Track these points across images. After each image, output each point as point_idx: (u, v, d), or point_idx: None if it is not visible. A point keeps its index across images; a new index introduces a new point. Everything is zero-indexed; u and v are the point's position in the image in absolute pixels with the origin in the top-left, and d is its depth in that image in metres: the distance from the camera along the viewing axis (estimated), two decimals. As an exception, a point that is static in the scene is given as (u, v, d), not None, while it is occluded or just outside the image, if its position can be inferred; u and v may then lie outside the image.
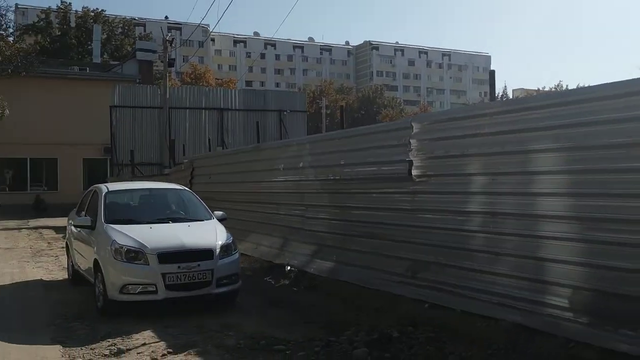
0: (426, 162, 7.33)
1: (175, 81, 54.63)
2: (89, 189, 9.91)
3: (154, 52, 35.09)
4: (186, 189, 9.58)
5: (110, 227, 7.90)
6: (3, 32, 24.26)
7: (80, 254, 8.97)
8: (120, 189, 9.29)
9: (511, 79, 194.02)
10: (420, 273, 7.32)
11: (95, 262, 7.83)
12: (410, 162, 7.45)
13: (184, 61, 64.80)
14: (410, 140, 7.48)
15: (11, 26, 25.18)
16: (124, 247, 7.43)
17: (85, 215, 8.97)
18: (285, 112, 31.63)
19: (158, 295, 7.33)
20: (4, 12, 23.60)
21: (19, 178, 33.19)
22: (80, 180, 33.57)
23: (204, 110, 30.07)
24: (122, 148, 28.18)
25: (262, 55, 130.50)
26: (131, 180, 20.95)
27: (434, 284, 7.02)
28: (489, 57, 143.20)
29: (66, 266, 11.62)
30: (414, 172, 7.43)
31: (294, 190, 10.35)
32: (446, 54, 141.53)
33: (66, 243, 10.51)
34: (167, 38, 28.58)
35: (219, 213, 9.01)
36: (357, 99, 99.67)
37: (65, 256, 12.84)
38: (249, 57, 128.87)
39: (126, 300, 7.41)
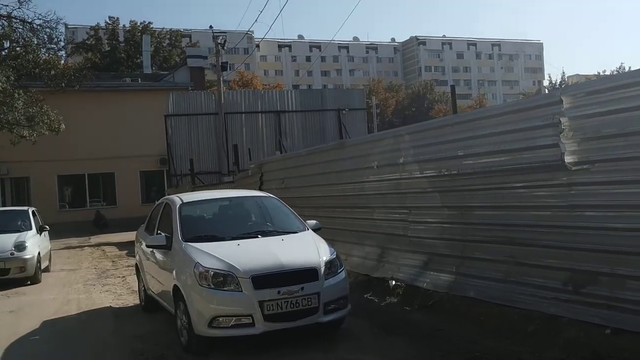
0: (585, 145, 5.68)
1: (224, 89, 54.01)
2: (159, 202, 8.63)
3: (205, 57, 34.25)
4: (271, 195, 8.15)
5: (190, 246, 6.56)
6: (54, 46, 23.54)
7: (155, 279, 7.68)
8: (195, 200, 7.90)
9: (568, 65, 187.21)
10: (586, 287, 5.67)
11: (175, 289, 6.49)
12: (563, 146, 5.82)
13: (230, 69, 63.98)
14: (561, 119, 5.85)
15: (62, 39, 24.37)
16: (209, 270, 6.05)
17: (158, 233, 7.69)
18: (344, 111, 30.16)
19: (255, 328, 5.92)
20: (54, 25, 22.78)
21: (78, 194, 32.79)
22: (138, 194, 32.98)
23: (260, 114, 28.88)
24: (179, 158, 27.27)
25: (308, 58, 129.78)
26: (194, 191, 19.90)
27: (613, 302, 5.37)
28: (541, 44, 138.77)
29: (136, 289, 10.42)
30: (569, 158, 5.79)
31: (392, 191, 8.82)
32: (496, 44, 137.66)
33: (136, 265, 9.26)
34: (218, 41, 27.55)
35: (312, 222, 7.58)
36: (407, 95, 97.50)
37: (134, 277, 11.74)
38: (295, 60, 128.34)
39: (217, 336, 6.03)
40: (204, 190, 17.39)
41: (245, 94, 29.06)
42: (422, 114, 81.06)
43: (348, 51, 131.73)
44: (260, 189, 13.88)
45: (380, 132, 11.69)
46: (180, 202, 7.47)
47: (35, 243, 12.71)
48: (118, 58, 58.50)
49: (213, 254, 6.26)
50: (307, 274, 6.15)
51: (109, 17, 62.44)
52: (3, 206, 30.72)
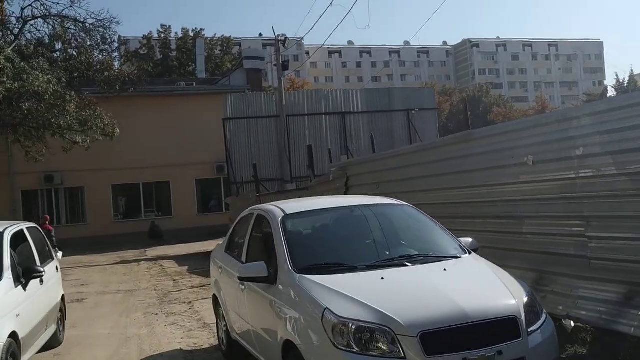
0: None
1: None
2: (246, 214, 6.47)
3: (262, 59, 32.47)
4: (403, 203, 5.85)
5: (307, 280, 4.36)
6: (108, 47, 22.01)
7: (248, 323, 5.50)
8: (304, 211, 5.60)
9: (629, 65, 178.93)
10: None
11: (288, 345, 4.29)
12: None
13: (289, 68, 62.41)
14: None
15: (115, 40, 22.84)
16: (349, 322, 3.83)
17: (246, 256, 5.57)
18: (413, 111, 27.77)
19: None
20: (107, 25, 21.26)
21: (133, 204, 31.33)
22: (194, 204, 31.33)
23: (324, 116, 26.78)
24: (238, 164, 25.37)
25: (358, 64, 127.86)
26: (258, 200, 17.84)
27: None
28: (601, 43, 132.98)
29: (208, 322, 8.34)
30: None
31: (557, 195, 6.43)
32: (552, 44, 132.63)
33: (214, 297, 7.12)
34: (278, 38, 25.62)
35: (466, 240, 5.29)
36: (462, 99, 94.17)
37: (202, 303, 9.67)
38: (345, 67, 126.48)
39: None
40: (279, 198, 15.32)
41: (307, 95, 27.00)
42: (479, 118, 77.70)
43: (399, 56, 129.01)
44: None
45: (534, 117, 9.24)
46: (283, 215, 5.25)
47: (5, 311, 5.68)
48: (170, 66, 57.68)
49: (348, 294, 4.04)
50: (503, 327, 3.86)
51: (161, 26, 61.93)
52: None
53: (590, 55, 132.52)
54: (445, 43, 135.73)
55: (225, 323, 6.45)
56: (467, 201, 7.91)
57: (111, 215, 30.23)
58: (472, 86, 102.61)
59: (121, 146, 28.89)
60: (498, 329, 3.84)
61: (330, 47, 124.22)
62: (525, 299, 4.12)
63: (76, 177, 29.25)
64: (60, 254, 18.27)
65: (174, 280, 13.82)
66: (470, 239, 5.34)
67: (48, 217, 20.70)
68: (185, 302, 10.46)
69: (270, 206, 5.82)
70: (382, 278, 4.26)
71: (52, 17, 21.56)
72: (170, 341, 7.67)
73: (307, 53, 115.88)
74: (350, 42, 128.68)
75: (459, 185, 8.10)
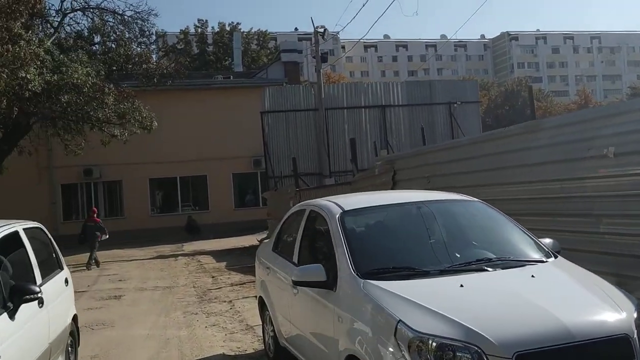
0: None
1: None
2: (295, 210, 5.94)
3: (300, 52, 31.99)
4: (474, 199, 5.22)
5: (374, 286, 3.79)
6: (146, 39, 21.77)
7: (299, 329, 4.98)
8: (363, 207, 4.98)
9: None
10: None
11: (352, 362, 3.75)
12: None
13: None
14: None
15: (154, 32, 22.61)
16: (429, 338, 3.26)
17: (298, 257, 5.04)
18: (455, 104, 26.92)
19: None
20: (146, 17, 21.01)
21: (170, 199, 31.23)
22: (232, 198, 31.02)
23: (363, 109, 26.14)
24: (276, 157, 24.93)
25: (394, 58, 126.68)
26: (297, 195, 17.37)
27: None
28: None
29: (251, 323, 7.88)
30: None
31: (641, 191, 5.72)
32: (595, 36, 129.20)
33: (259, 300, 6.60)
34: (317, 29, 25.06)
35: (546, 241, 4.65)
36: (500, 94, 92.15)
37: (243, 302, 9.21)
38: (381, 61, 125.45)
39: None
40: (319, 193, 14.79)
41: (347, 88, 26.38)
42: (517, 113, 75.84)
43: (436, 50, 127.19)
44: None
45: (615, 104, 8.51)
46: (341, 211, 4.68)
47: None
48: (207, 60, 57.72)
49: (424, 304, 3.46)
50: (613, 348, 3.24)
51: (198, 20, 62.02)
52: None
53: (634, 47, 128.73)
54: (482, 36, 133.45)
55: (272, 328, 5.94)
56: (535, 197, 7.21)
57: (148, 209, 30.17)
58: (511, 80, 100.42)
59: (158, 140, 28.73)
60: (607, 350, 3.23)
61: (366, 41, 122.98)
62: (636, 314, 3.48)
63: (114, 171, 29.26)
64: (106, 236, 18.15)
65: (213, 277, 13.42)
66: (549, 240, 4.70)
67: (96, 209, 20.56)
68: (225, 301, 10.01)
69: (324, 201, 5.26)
70: (462, 285, 3.66)
71: (91, 10, 21.42)
72: (212, 344, 7.21)
73: (343, 47, 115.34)
74: (386, 36, 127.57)
75: (526, 180, 7.40)
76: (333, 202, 4.99)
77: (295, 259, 5.16)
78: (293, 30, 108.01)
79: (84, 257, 18.47)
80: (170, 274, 14.82)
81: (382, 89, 26.63)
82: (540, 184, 7.14)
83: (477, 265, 4.04)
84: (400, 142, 26.20)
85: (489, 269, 3.97)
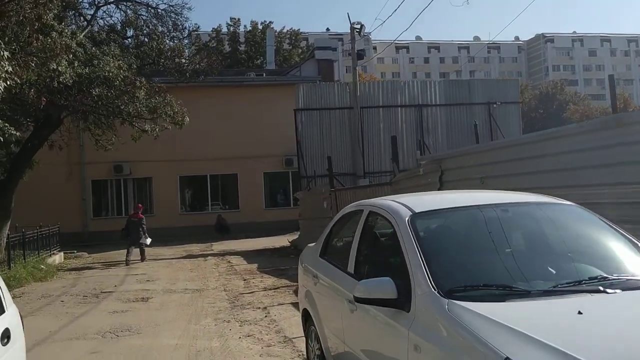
0: None
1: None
2: (349, 211, 5.17)
3: (334, 49, 31.28)
4: (568, 202, 4.36)
5: (463, 309, 2.99)
6: (179, 34, 21.25)
7: (355, 353, 4.17)
8: (437, 209, 4.12)
9: None
10: None
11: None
12: None
13: (347, 71, 61.07)
14: None
15: (187, 27, 22.05)
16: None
17: (356, 266, 4.28)
18: (495, 105, 25.90)
19: None
20: (179, 11, 20.49)
21: (199, 197, 30.77)
22: (262, 197, 30.44)
23: (399, 108, 25.31)
24: (309, 156, 24.25)
25: (426, 60, 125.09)
26: (330, 195, 16.63)
27: None
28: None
29: (289, 335, 7.14)
30: None
31: None
32: (632, 39, 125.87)
33: (303, 311, 5.79)
34: (353, 25, 24.27)
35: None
36: (534, 96, 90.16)
37: (278, 309, 8.50)
38: (412, 62, 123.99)
39: None
40: (357, 194, 14.02)
41: (383, 86, 25.57)
42: (552, 116, 73.99)
43: (468, 51, 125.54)
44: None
45: None
46: (411, 213, 3.90)
47: None
48: (239, 59, 57.39)
49: (535, 335, 2.66)
50: None
51: (230, 19, 61.71)
52: (127, 208, 29.40)
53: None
54: (517, 38, 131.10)
55: (319, 346, 5.18)
56: (616, 202, 6.34)
57: (178, 207, 29.75)
58: (546, 83, 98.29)
59: (189, 137, 28.36)
60: None
61: (398, 42, 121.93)
62: None
63: (144, 168, 28.94)
64: (149, 240, 18.54)
65: (244, 280, 12.75)
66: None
67: (141, 206, 20.32)
68: (259, 308, 9.30)
69: (386, 201, 4.48)
70: (580, 312, 2.86)
71: (125, 2, 20.99)
72: (247, 358, 6.49)
73: (375, 48, 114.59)
74: (418, 38, 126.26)
75: (612, 182, 6.50)
76: (399, 203, 4.21)
77: (350, 268, 4.41)
78: (325, 30, 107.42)
79: (116, 254, 18.03)
80: (199, 275, 14.21)
81: (419, 87, 25.77)
82: (616, 188, 6.26)
83: (591, 284, 3.22)
84: (437, 143, 25.30)
85: (607, 290, 3.15)
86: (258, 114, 29.41)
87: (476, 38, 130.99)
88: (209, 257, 18.97)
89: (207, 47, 56.86)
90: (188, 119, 18.79)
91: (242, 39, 60.03)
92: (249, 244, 23.40)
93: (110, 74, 16.51)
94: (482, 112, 25.87)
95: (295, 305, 8.42)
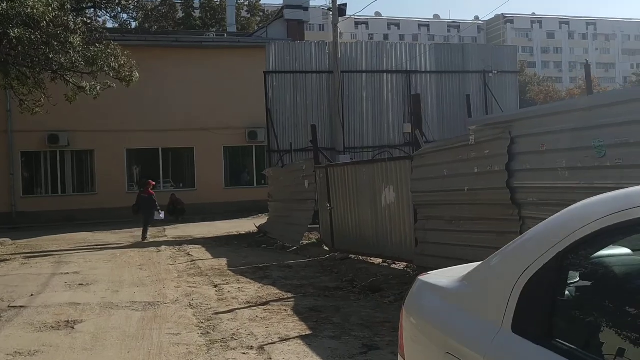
0: None
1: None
2: (565, 220, 1.84)
3: (305, 9, 27.64)
4: None
5: None
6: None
7: None
8: None
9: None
10: None
11: None
12: None
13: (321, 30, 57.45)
14: None
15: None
16: None
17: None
18: (491, 74, 22.96)
19: None
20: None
21: (150, 173, 26.76)
22: (222, 175, 26.76)
23: (385, 74, 22.03)
24: (281, 127, 20.77)
25: (386, 37, 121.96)
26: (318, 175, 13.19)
27: None
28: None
29: None
30: None
31: None
32: (591, 22, 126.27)
33: None
34: (335, -25, 20.74)
35: None
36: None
37: (279, 347, 5.11)
38: (372, 39, 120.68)
39: None
40: (350, 172, 10.64)
41: (367, 47, 22.15)
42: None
43: (428, 29, 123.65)
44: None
45: None
46: None
47: None
48: (193, 26, 52.79)
49: None
50: None
51: (184, -20, 56.86)
52: (63, 186, 25.31)
53: (629, 35, 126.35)
54: (477, 18, 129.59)
55: None
56: None
57: (124, 184, 25.78)
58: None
59: (138, 104, 24.55)
60: None
61: (356, 17, 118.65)
62: None
63: (85, 139, 24.86)
64: (162, 214, 18.07)
65: (215, 286, 9.27)
66: None
67: (153, 182, 19.10)
68: (252, 348, 5.82)
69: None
70: None
71: None
72: None
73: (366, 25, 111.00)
74: (377, 14, 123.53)
75: None
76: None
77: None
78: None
79: (48, 241, 14.18)
80: (152, 275, 10.66)
81: (407, 51, 22.49)
82: None
83: None
84: (427, 115, 22.14)
85: None
86: (219, 80, 25.68)
87: (436, 16, 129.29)
88: (163, 247, 15.36)
89: (158, 11, 52.25)
90: (137, 74, 14.99)
91: (196, 4, 55.46)
92: (208, 229, 19.89)
93: (35, 11, 12.61)
94: (476, 81, 22.96)
95: (310, 341, 5.14)
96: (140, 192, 18.73)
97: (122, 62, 14.51)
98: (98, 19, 16.76)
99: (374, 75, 21.81)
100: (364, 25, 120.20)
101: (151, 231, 20.51)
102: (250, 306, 7.68)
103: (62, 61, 13.78)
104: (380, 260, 11.22)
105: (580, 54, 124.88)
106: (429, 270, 2.92)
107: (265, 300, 7.99)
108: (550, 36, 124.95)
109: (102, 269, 11.71)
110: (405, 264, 10.54)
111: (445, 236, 8.84)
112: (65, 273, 11.28)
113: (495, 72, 22.88)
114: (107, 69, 14.31)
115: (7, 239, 17.87)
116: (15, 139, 24.47)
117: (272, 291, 8.71)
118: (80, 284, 9.94)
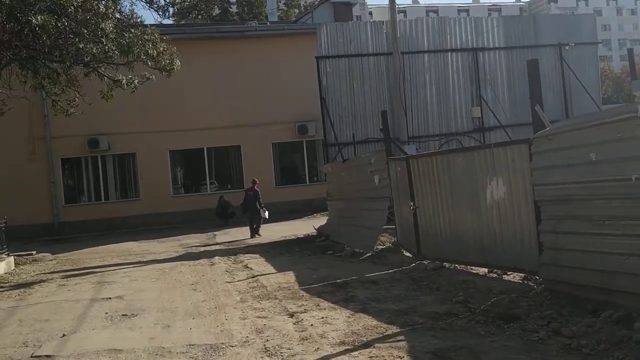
0: None
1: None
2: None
3: (353, -11, 25.61)
4: None
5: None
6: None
7: None
8: None
9: None
10: None
11: None
12: None
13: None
14: None
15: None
16: None
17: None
18: (567, 46, 20.44)
19: None
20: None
21: (195, 175, 25.12)
22: (271, 174, 24.85)
23: (450, 53, 19.77)
24: (338, 118, 18.75)
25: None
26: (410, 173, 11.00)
27: None
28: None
29: None
30: None
31: None
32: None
33: None
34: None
35: None
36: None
37: None
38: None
39: None
40: (431, 166, 8.46)
41: (428, 24, 19.88)
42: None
43: (468, 14, 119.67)
44: None
45: None
46: None
47: None
48: (230, 21, 51.40)
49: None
50: None
51: (219, -24, 55.39)
52: (106, 192, 23.88)
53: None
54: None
55: None
56: None
57: (169, 188, 24.19)
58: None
59: (181, 102, 22.97)
60: None
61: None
62: None
63: (126, 141, 23.38)
64: (267, 213, 18.38)
65: (291, 316, 7.27)
66: None
67: (257, 180, 19.00)
68: None
69: None
70: None
71: None
72: None
73: (370, 14, 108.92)
74: (415, 1, 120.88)
75: None
76: None
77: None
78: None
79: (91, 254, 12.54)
80: (209, 299, 8.77)
81: (472, 26, 20.16)
82: None
83: None
84: (497, 97, 19.86)
85: None
86: (264, 71, 23.85)
87: (475, 0, 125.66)
88: (216, 258, 13.51)
89: (195, 7, 50.83)
90: (179, 62, 13.11)
91: (233, 0, 54.06)
92: (262, 233, 18.06)
93: (61, -5, 10.86)
94: (551, 55, 20.47)
95: None
96: (246, 191, 18.89)
97: (161, 49, 12.66)
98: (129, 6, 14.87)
99: (437, 55, 19.60)
100: (402, 14, 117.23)
101: (200, 237, 18.94)
102: (348, 350, 5.66)
103: (95, 52, 12.00)
104: (485, 270, 9.07)
105: (630, 30, 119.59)
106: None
107: (364, 340, 5.95)
108: (598, 13, 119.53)
109: (150, 291, 9.89)
110: (522, 274, 8.37)
111: (594, 242, 6.64)
112: (107, 298, 9.49)
113: (573, 44, 20.33)
114: (144, 57, 12.44)
115: (47, 254, 16.39)
116: (54, 145, 23.14)
117: (368, 322, 6.67)
118: (123, 315, 8.11)
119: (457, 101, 19.73)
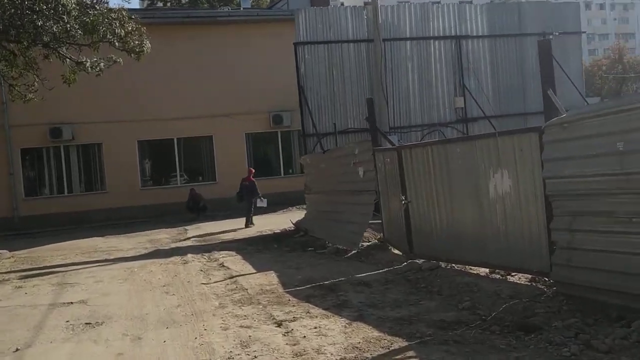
0: None
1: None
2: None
3: (330, -25, 24.71)
4: None
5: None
6: None
7: None
8: None
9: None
10: None
11: None
12: None
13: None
14: None
15: None
16: None
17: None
18: (551, 36, 19.89)
19: None
20: None
21: (164, 167, 24.00)
22: (245, 165, 23.77)
23: (432, 41, 19.08)
24: (317, 107, 17.91)
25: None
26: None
27: None
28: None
29: None
30: None
31: None
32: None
33: None
34: None
35: None
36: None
37: None
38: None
39: None
40: (427, 158, 7.68)
41: (410, 11, 19.09)
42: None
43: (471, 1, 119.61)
44: None
45: None
46: None
47: None
48: (201, 9, 49.94)
49: None
50: None
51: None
52: (70, 185, 22.63)
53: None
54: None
55: None
56: None
57: (138, 181, 23.02)
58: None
59: (150, 90, 21.83)
60: None
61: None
62: None
63: (91, 131, 22.15)
64: (265, 201, 18.29)
65: (279, 325, 6.41)
66: None
67: (253, 170, 19.13)
68: None
69: None
70: None
71: None
72: None
73: (342, 4, 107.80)
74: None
75: None
76: None
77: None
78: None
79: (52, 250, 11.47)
80: (184, 304, 7.87)
81: (456, 13, 19.50)
82: None
83: None
84: (481, 86, 19.27)
85: None
86: (237, 59, 22.86)
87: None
88: (189, 256, 12.58)
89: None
90: (149, 44, 12.08)
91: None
92: (234, 227, 17.19)
93: (16, -34, 9.74)
94: (534, 45, 19.82)
95: None
96: (242, 180, 18.53)
97: (130, 29, 11.62)
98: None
99: (420, 42, 18.88)
100: None
101: (170, 232, 17.97)
102: (352, 372, 4.82)
103: (55, 30, 10.90)
104: (486, 271, 8.35)
105: (598, 25, 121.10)
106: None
107: (368, 356, 5.15)
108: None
109: (117, 294, 8.93)
110: (529, 276, 7.66)
111: (618, 241, 5.96)
112: (69, 303, 8.51)
113: (557, 33, 19.81)
114: (110, 37, 11.39)
115: (5, 251, 15.20)
116: (13, 134, 21.78)
117: (368, 333, 5.86)
118: (87, 324, 7.16)
119: (439, 91, 19.07)
